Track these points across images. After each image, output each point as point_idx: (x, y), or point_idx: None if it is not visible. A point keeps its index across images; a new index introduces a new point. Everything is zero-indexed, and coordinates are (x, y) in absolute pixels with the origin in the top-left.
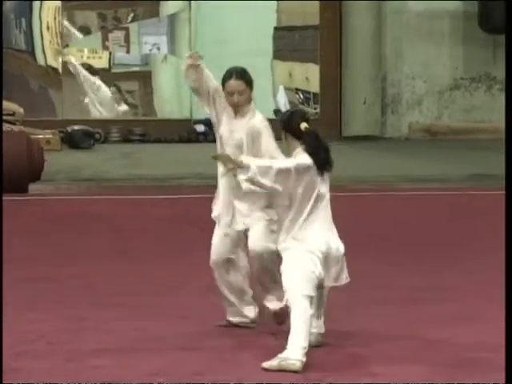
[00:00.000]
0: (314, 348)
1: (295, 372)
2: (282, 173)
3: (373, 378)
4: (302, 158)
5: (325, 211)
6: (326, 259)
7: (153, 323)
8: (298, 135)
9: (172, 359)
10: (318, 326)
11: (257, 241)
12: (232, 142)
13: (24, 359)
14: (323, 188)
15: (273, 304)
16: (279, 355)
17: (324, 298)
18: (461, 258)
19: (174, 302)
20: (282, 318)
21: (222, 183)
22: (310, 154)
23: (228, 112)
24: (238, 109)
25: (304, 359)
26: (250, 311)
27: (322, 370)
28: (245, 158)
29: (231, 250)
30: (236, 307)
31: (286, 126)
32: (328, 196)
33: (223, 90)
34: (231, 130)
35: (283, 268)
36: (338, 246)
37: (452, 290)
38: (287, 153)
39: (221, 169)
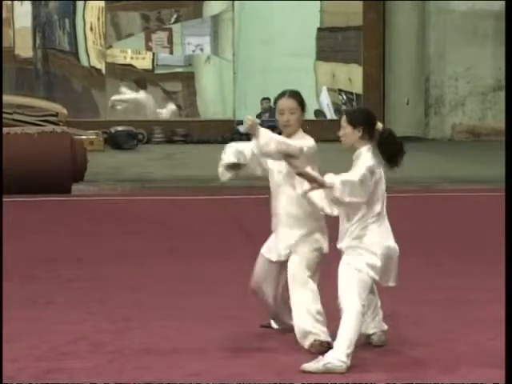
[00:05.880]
0: (373, 347)
1: (341, 373)
2: (363, 183)
3: (422, 379)
4: (366, 160)
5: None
6: (389, 260)
7: (195, 324)
8: (372, 134)
9: (214, 360)
10: (377, 326)
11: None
12: (282, 169)
13: (67, 359)
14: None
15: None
16: (321, 357)
17: (377, 298)
18: (502, 258)
19: (216, 303)
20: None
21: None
22: (393, 152)
23: None
24: (287, 130)
25: (348, 361)
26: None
27: (365, 370)
28: (328, 177)
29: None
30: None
31: (364, 122)
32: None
33: (276, 110)
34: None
35: (341, 272)
36: (395, 246)
37: (493, 290)
38: (346, 146)
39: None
